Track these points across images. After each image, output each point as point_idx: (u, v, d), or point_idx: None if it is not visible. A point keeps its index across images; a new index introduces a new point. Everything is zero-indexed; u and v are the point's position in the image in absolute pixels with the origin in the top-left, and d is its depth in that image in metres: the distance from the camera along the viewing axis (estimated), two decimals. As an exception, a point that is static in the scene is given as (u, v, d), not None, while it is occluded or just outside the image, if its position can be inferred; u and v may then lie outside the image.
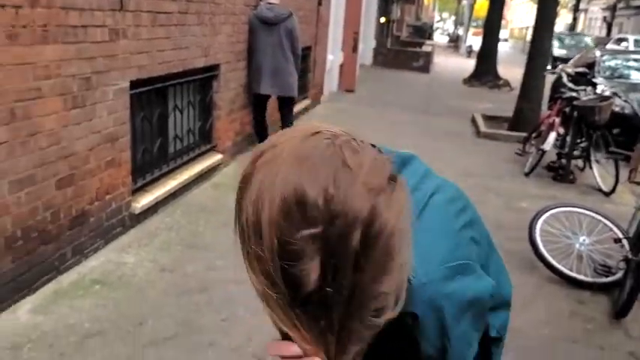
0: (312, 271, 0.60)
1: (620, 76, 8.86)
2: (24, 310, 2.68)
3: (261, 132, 5.71)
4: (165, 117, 4.17)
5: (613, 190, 5.40)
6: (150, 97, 3.88)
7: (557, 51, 19.83)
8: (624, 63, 9.34)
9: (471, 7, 32.01)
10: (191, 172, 4.49)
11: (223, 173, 5.11)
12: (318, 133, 0.69)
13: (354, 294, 0.63)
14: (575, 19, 42.86)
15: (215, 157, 4.95)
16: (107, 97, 3.28)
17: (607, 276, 3.46)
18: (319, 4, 7.81)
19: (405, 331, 0.84)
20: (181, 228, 3.87)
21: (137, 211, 3.73)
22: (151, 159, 4.02)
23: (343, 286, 0.62)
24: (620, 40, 22.25)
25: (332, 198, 0.61)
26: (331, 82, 9.91)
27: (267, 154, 0.66)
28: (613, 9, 33.89)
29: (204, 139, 4.93)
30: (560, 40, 21.85)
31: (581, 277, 3.49)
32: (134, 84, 3.54)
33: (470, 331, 0.89)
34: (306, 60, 7.58)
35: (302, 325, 0.65)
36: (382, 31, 17.60)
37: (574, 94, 5.93)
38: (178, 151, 4.47)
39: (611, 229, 3.68)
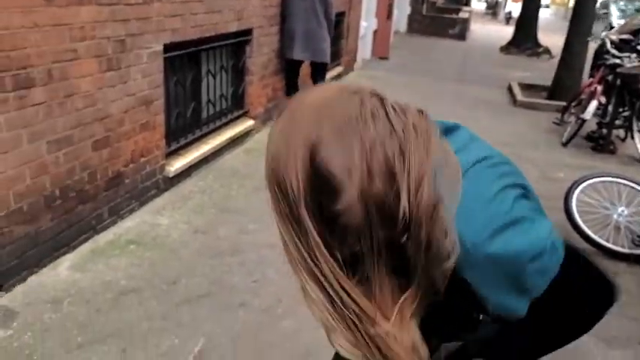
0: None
1: (669, 44, 8.43)
2: (63, 266, 2.77)
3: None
4: (198, 81, 4.18)
5: (655, 162, 5.22)
6: (183, 60, 3.89)
7: (617, 21, 18.75)
8: (673, 30, 8.85)
9: (511, -29, 30.75)
10: (223, 137, 4.52)
11: (255, 139, 5.12)
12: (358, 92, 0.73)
13: (430, 244, 0.70)
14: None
15: (247, 123, 4.96)
16: (141, 60, 3.29)
17: (645, 248, 3.37)
18: (353, -33, 7.62)
19: (462, 291, 0.87)
20: (214, 192, 3.92)
21: (171, 175, 3.79)
22: (184, 123, 4.06)
23: (421, 236, 0.69)
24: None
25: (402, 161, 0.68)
26: (365, 49, 9.74)
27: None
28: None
29: (237, 105, 4.93)
30: (622, 10, 20.52)
31: (617, 248, 3.40)
32: (168, 47, 3.55)
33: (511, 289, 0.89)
34: (339, 26, 7.46)
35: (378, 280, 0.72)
36: (417, -4, 17.14)
37: (617, 60, 5.68)
38: (211, 115, 4.50)
39: (651, 201, 3.56)
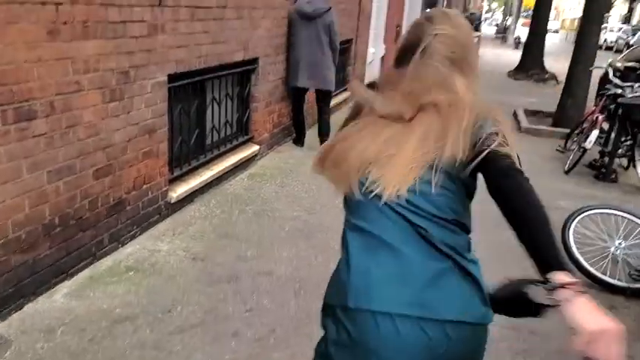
0: None
1: (675, 72, 8.43)
2: (60, 294, 2.83)
3: (298, 124, 5.79)
4: (203, 109, 4.27)
5: (658, 192, 5.20)
6: (187, 89, 3.98)
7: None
8: (680, 57, 8.86)
9: (521, -4, 31.00)
10: (227, 163, 4.60)
11: (259, 165, 5.19)
12: None
13: None
14: (631, 10, 40.87)
15: (252, 149, 5.04)
16: (145, 90, 3.39)
17: (643, 281, 3.35)
18: (360, -5, 7.76)
19: None
20: (215, 217, 3.97)
21: (173, 200, 3.85)
22: (188, 150, 4.14)
23: None
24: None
25: None
26: (372, 74, 9.84)
27: None
28: (674, -1, 32.15)
29: (242, 131, 5.02)
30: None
31: (614, 281, 3.39)
32: (172, 77, 3.65)
33: None
34: (346, 53, 7.57)
35: None
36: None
37: (619, 90, 5.70)
38: (215, 142, 4.58)
39: (648, 234, 3.56)
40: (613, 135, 5.65)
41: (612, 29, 31.34)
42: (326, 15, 5.25)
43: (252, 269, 3.24)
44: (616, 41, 27.45)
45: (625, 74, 7.24)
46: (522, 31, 28.96)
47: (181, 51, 3.71)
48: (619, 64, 8.37)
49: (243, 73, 4.84)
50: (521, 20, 34.78)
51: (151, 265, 3.24)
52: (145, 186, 3.56)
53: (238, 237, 3.68)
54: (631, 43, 24.92)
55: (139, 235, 3.57)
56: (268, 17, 4.99)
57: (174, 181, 3.97)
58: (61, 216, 2.82)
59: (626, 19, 38.91)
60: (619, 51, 25.24)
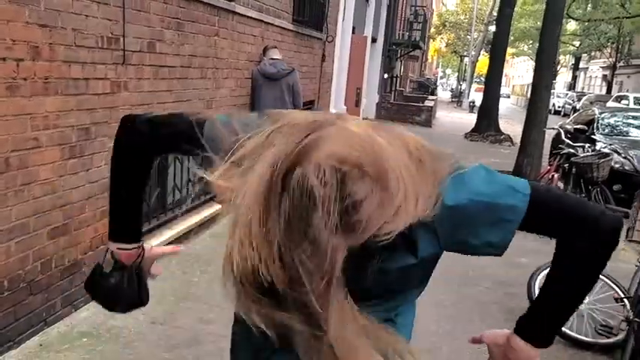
0: None
1: (620, 133, 8.93)
2: (7, 363, 2.62)
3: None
4: (164, 167, 4.21)
5: (614, 248, 5.34)
6: (149, 147, 3.92)
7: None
8: (623, 120, 9.42)
9: (474, 64, 32.81)
10: (189, 223, 4.49)
11: (223, 224, 5.08)
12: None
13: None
14: (575, 77, 43.70)
15: (214, 208, 4.95)
16: (106, 147, 3.31)
17: (608, 337, 3.36)
18: (322, 60, 8.01)
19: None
20: (176, 278, 3.82)
21: (131, 262, 3.69)
22: (148, 209, 4.02)
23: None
24: (620, 98, 22.61)
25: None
26: (333, 134, 10.02)
27: None
28: (613, 68, 34.60)
29: (204, 189, 4.94)
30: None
31: (581, 337, 3.39)
32: (134, 135, 3.59)
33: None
34: (308, 113, 7.70)
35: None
36: (386, 85, 17.98)
37: (572, 150, 5.97)
38: (177, 201, 4.48)
39: (612, 288, 3.61)
40: (568, 192, 5.85)
41: (559, 95, 33.27)
42: (289, 76, 5.37)
43: (213, 332, 3.10)
44: (563, 106, 29.09)
45: (575, 135, 7.63)
46: (476, 96, 30.44)
47: (144, 109, 3.67)
48: (569, 127, 8.83)
49: (207, 131, 4.82)
50: (474, 86, 36.63)
51: (107, 330, 3.06)
52: (102, 246, 3.41)
53: (199, 299, 3.54)
54: (577, 107, 26.47)
55: (95, 298, 3.38)
56: (232, 77, 5.06)
57: (133, 241, 3.82)
58: (10, 278, 2.64)
59: (571, 86, 41.46)
60: (567, 115, 26.74)
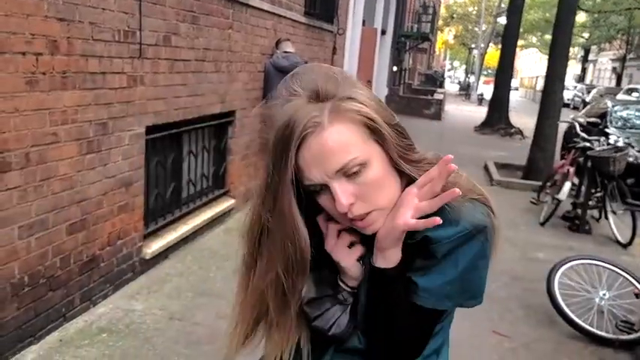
0: None
1: (632, 127, 8.83)
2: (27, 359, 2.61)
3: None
4: (179, 162, 4.19)
5: (630, 242, 5.28)
6: (165, 142, 3.91)
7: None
8: (636, 113, 9.31)
9: (482, 56, 32.55)
10: (203, 217, 4.47)
11: (236, 218, 5.07)
12: None
13: None
14: (584, 69, 43.29)
15: (228, 202, 4.94)
16: (123, 142, 3.30)
17: (629, 333, 3.32)
18: (333, 53, 7.95)
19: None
20: (192, 274, 3.81)
21: (148, 257, 3.69)
22: (163, 203, 4.01)
23: None
24: (630, 91, 22.36)
25: None
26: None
27: None
28: (623, 60, 34.24)
29: (218, 184, 4.93)
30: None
31: (602, 333, 3.35)
32: (150, 129, 3.57)
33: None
34: (319, 107, 7.65)
35: None
36: (395, 78, 17.87)
37: (587, 144, 5.89)
38: (191, 195, 4.47)
39: (631, 284, 3.56)
40: (584, 187, 5.78)
41: (568, 88, 32.96)
42: (303, 69, 5.32)
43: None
44: (572, 99, 28.81)
45: (587, 129, 7.53)
46: (484, 89, 30.24)
47: (160, 103, 3.65)
48: (582, 120, 8.73)
49: (220, 125, 4.81)
50: (482, 78, 36.37)
51: (126, 325, 3.05)
52: (119, 242, 3.40)
53: (217, 294, 3.52)
54: (587, 100, 26.23)
55: (112, 293, 3.38)
56: (245, 71, 5.02)
57: (149, 236, 3.82)
58: (31, 274, 2.64)
59: (580, 78, 41.09)
60: (576, 108, 26.52)
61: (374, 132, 0.90)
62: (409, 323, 0.93)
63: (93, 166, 3.06)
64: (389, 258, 0.92)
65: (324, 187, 0.90)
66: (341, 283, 0.99)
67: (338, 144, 0.87)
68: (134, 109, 3.37)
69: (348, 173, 0.87)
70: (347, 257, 0.97)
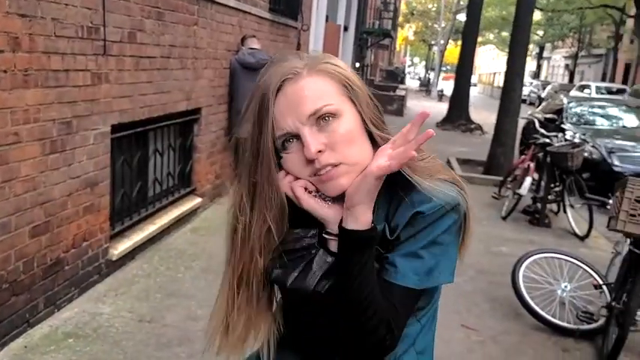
0: None
1: (586, 122, 9.16)
2: (-8, 367, 2.52)
3: (240, 175, 5.70)
4: (145, 160, 4.10)
5: (587, 235, 5.49)
6: (131, 140, 3.82)
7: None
8: (589, 110, 9.66)
9: (442, 53, 33.09)
10: (170, 216, 4.40)
11: (202, 217, 5.02)
12: None
13: None
14: (539, 66, 44.60)
15: (194, 201, 4.87)
16: (88, 142, 3.21)
17: (589, 323, 3.46)
18: (298, 49, 7.93)
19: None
20: (160, 275, 3.75)
21: (114, 258, 3.61)
22: (129, 203, 3.93)
23: None
24: (582, 87, 23.18)
25: None
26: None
27: None
28: (575, 57, 35.47)
29: (184, 183, 4.85)
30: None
31: (564, 324, 3.48)
32: (115, 128, 3.49)
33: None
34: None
35: None
36: (357, 75, 17.94)
37: (547, 140, 6.08)
38: (158, 194, 4.39)
39: (590, 275, 3.71)
40: (543, 182, 5.97)
41: (525, 84, 33.85)
42: (269, 66, 5.29)
43: (204, 329, 3.04)
44: (529, 95, 29.63)
45: (545, 125, 7.77)
46: (444, 85, 30.74)
47: (125, 101, 3.57)
48: (539, 116, 9.00)
49: (185, 123, 4.73)
50: (441, 74, 36.98)
51: (93, 330, 2.98)
52: (84, 243, 3.32)
53: (186, 295, 3.48)
54: (542, 96, 27.05)
55: (78, 297, 3.29)
56: (211, 67, 4.95)
57: (115, 237, 3.73)
58: (-7, 280, 2.54)
59: (536, 75, 42.29)
60: (532, 103, 27.29)
61: (349, 90, 0.94)
62: (378, 297, 0.90)
63: (57, 166, 2.96)
64: (359, 217, 0.90)
65: (296, 139, 0.91)
66: (327, 236, 0.96)
67: (313, 91, 0.90)
68: (99, 107, 3.28)
69: (320, 117, 0.90)
70: (319, 205, 0.95)
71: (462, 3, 28.80)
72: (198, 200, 4.93)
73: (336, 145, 0.90)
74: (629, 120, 9.39)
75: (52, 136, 2.90)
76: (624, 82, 27.94)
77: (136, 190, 4.00)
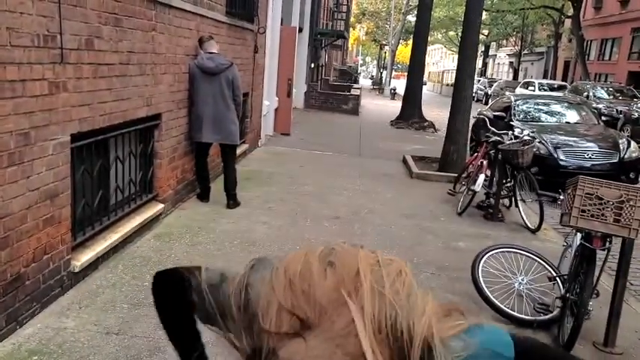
0: None
1: (533, 119, 9.55)
2: (-44, 390, 2.44)
3: (203, 179, 5.68)
4: (106, 168, 4.03)
5: (538, 228, 5.75)
6: (91, 149, 3.74)
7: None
8: (535, 106, 10.07)
9: (393, 52, 33.63)
10: (132, 224, 4.33)
11: (165, 223, 4.96)
12: None
13: None
14: (485, 64, 45.97)
15: (157, 207, 4.81)
16: (47, 152, 3.13)
17: (545, 314, 3.64)
18: (255, 51, 7.92)
19: None
20: (125, 284, 3.69)
21: (77, 269, 3.53)
22: (91, 213, 3.85)
23: None
24: (527, 84, 24.09)
25: None
26: (267, 126, 9.99)
27: None
28: (518, 55, 36.80)
29: (146, 189, 4.78)
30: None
31: (522, 315, 3.65)
32: (75, 137, 3.41)
33: None
34: (243, 106, 7.61)
35: None
36: (312, 75, 18.05)
37: (498, 138, 6.32)
38: (119, 202, 4.31)
39: (545, 268, 3.90)
40: (496, 178, 6.21)
41: (472, 81, 34.85)
42: (228, 70, 5.28)
43: (174, 338, 3.03)
44: (476, 92, 30.55)
45: (494, 122, 8.05)
46: (396, 83, 31.23)
47: (84, 109, 3.50)
48: (488, 114, 9.32)
49: (146, 129, 4.66)
50: (392, 73, 37.58)
51: (58, 345, 2.91)
52: (45, 256, 3.23)
53: (154, 304, 3.44)
54: (489, 93, 27.94)
55: (40, 312, 3.20)
56: (170, 72, 4.90)
57: (77, 247, 3.65)
58: (-45, 300, 2.45)
59: (482, 72, 43.57)
60: (479, 100, 28.16)
61: None
62: None
63: (15, 179, 2.88)
64: None
65: None
66: None
67: None
68: (57, 117, 3.20)
69: None
70: None
71: (411, 4, 29.38)
72: (160, 206, 4.87)
73: None
74: (571, 116, 9.88)
75: (10, 149, 2.81)
76: (564, 78, 29.25)
77: (98, 198, 3.92)
